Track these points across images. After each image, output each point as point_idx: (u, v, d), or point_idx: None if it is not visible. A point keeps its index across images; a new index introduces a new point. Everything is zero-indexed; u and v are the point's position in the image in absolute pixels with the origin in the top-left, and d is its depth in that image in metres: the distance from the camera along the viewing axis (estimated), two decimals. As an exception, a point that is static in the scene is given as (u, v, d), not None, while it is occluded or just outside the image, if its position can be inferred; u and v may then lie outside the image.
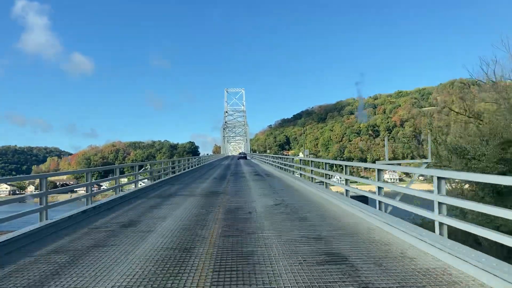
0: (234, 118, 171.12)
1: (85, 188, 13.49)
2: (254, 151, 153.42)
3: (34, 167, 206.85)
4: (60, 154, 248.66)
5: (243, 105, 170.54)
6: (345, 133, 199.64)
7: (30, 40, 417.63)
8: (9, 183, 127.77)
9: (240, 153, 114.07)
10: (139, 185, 19.23)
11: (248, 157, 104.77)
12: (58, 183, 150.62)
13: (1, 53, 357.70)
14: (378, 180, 10.59)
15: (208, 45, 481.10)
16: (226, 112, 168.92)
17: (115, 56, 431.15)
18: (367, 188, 17.46)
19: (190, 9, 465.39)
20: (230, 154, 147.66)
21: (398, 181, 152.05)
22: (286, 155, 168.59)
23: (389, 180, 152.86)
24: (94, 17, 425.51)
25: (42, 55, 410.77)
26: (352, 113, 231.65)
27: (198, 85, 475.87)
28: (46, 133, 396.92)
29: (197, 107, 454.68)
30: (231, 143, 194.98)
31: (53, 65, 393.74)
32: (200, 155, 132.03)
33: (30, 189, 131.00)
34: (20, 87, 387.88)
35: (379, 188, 10.41)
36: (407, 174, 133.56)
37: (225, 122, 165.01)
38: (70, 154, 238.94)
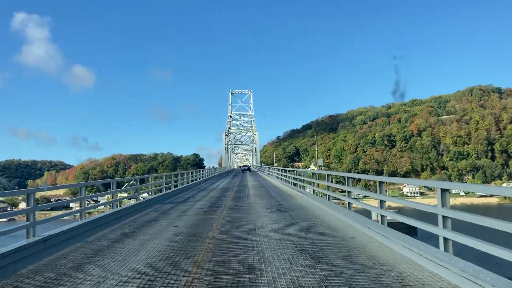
0: (240, 124, 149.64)
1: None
2: (269, 164, 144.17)
3: (29, 182, 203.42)
4: (64, 168, 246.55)
5: (250, 109, 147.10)
6: (359, 144, 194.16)
7: (31, 53, 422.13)
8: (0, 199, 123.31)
9: (244, 166, 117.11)
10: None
11: (254, 169, 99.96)
12: (54, 199, 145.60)
13: (3, 67, 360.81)
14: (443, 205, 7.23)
15: (211, 57, 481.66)
16: (231, 116, 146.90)
17: (117, 69, 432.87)
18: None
19: (194, 19, 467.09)
20: (236, 167, 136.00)
21: (419, 194, 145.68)
22: (296, 167, 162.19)
23: (409, 194, 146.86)
24: (94, 29, 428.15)
25: (43, 68, 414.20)
26: (365, 123, 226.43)
27: (203, 99, 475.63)
28: (51, 147, 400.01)
29: (202, 120, 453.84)
30: (238, 154, 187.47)
31: (54, 78, 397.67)
32: (206, 167, 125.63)
33: (22, 206, 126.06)
34: (23, 101, 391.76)
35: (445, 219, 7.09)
36: (428, 188, 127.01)
37: (229, 128, 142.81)
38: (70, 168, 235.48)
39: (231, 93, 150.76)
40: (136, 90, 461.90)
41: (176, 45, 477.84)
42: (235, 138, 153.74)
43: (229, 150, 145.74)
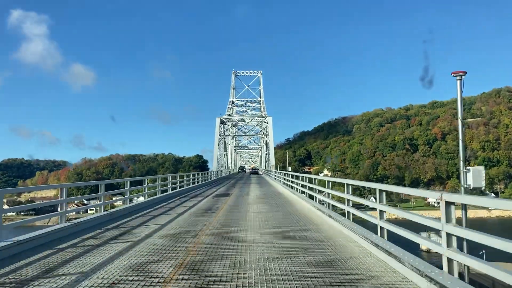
0: (244, 111, 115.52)
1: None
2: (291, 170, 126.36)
3: (19, 182, 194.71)
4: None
5: (260, 95, 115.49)
6: (377, 147, 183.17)
7: (30, 51, 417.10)
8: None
9: (252, 169, 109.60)
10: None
11: (260, 172, 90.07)
12: (41, 201, 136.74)
13: (4, 65, 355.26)
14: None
15: (214, 55, 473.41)
16: (233, 102, 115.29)
17: (117, 68, 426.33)
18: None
19: (201, 13, 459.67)
20: (237, 171, 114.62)
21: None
22: (307, 172, 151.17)
23: (435, 204, 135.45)
24: (93, 27, 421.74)
25: (42, 67, 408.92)
26: (382, 125, 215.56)
27: (209, 101, 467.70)
28: (54, 147, 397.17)
29: (206, 122, 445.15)
30: (243, 155, 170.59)
31: (54, 77, 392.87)
32: (210, 170, 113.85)
33: None
34: (25, 100, 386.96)
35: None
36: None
37: (229, 115, 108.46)
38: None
39: (235, 75, 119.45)
40: (139, 91, 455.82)
41: (178, 45, 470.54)
42: (237, 127, 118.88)
43: (227, 145, 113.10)
